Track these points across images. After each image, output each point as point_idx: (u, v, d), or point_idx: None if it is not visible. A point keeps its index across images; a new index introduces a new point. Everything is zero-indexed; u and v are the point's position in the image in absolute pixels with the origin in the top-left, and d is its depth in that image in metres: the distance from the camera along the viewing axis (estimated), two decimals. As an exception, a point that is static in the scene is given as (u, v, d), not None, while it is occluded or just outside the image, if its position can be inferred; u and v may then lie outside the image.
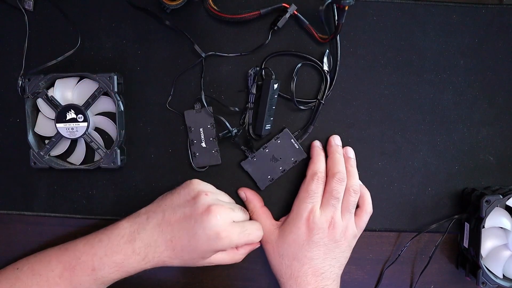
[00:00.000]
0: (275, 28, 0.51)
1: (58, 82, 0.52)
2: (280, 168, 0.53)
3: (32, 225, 0.56)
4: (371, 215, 0.52)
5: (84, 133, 0.51)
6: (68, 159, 0.54)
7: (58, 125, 0.51)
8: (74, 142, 0.54)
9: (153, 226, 0.47)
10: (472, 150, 0.55)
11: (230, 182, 0.54)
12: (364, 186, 0.53)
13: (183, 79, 0.53)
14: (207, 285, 0.57)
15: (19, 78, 0.51)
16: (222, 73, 0.53)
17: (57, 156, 0.54)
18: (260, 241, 0.52)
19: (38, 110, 0.53)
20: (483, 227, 0.51)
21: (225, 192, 0.54)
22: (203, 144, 0.53)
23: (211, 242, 0.46)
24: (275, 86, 0.51)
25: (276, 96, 0.52)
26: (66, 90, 0.52)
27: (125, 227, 0.48)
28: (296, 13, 0.51)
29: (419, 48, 0.53)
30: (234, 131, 0.51)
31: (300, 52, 0.52)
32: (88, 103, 0.51)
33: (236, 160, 0.54)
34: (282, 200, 0.54)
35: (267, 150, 0.53)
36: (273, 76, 0.52)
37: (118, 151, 0.52)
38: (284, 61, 0.53)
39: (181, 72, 0.53)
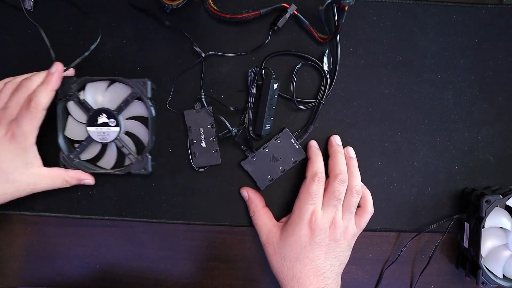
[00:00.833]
0: (275, 28, 0.51)
1: (89, 86, 0.52)
2: (280, 168, 0.53)
3: (32, 225, 0.56)
4: (372, 215, 0.52)
5: (116, 138, 0.51)
6: (98, 163, 0.54)
7: (89, 128, 0.51)
8: (103, 146, 0.53)
9: None
10: (472, 150, 0.55)
11: (230, 182, 0.54)
12: (365, 186, 0.53)
13: (183, 79, 0.53)
14: (207, 285, 0.57)
15: None
16: (222, 73, 0.53)
17: (87, 160, 0.53)
18: (261, 242, 0.52)
19: (68, 113, 0.52)
20: (483, 227, 0.51)
21: (225, 192, 0.54)
22: (203, 144, 0.53)
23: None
24: (275, 86, 0.51)
25: (276, 96, 0.52)
26: (97, 94, 0.52)
27: None
28: (296, 13, 0.51)
29: (419, 48, 0.53)
30: (234, 131, 0.51)
31: (300, 52, 0.52)
32: (121, 108, 0.51)
33: (236, 160, 0.54)
34: (282, 200, 0.54)
35: (267, 150, 0.53)
36: (273, 76, 0.52)
37: (150, 157, 0.52)
38: (284, 61, 0.53)
39: (181, 72, 0.53)
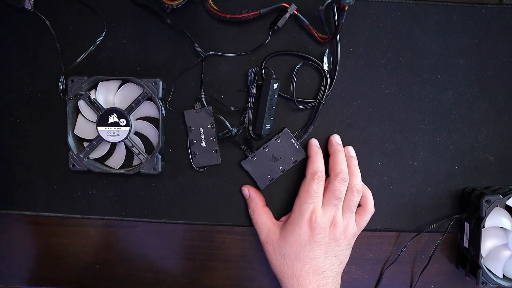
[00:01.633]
0: (275, 28, 0.51)
1: (100, 85, 0.52)
2: (280, 167, 0.53)
3: (32, 225, 0.56)
4: (372, 214, 0.52)
5: (126, 138, 0.51)
6: (106, 163, 0.54)
7: (99, 128, 0.51)
8: (112, 146, 0.53)
9: None
10: (472, 150, 0.55)
11: (230, 182, 0.54)
12: (365, 185, 0.53)
13: (183, 79, 0.53)
14: (207, 285, 0.57)
15: (61, 79, 0.51)
16: (222, 73, 0.53)
17: (95, 160, 0.54)
18: (261, 241, 0.52)
19: (77, 112, 0.53)
20: (483, 227, 0.51)
21: (225, 192, 0.54)
22: (203, 144, 0.53)
23: None
24: (275, 86, 0.51)
25: (276, 96, 0.52)
26: (108, 93, 0.52)
27: None
28: (296, 13, 0.51)
29: (419, 48, 0.53)
30: (234, 131, 0.51)
31: (300, 52, 0.52)
32: (131, 108, 0.51)
33: (236, 160, 0.54)
34: (282, 200, 0.54)
35: (267, 150, 0.53)
36: (273, 76, 0.52)
37: (160, 156, 0.52)
38: (284, 61, 0.53)
39: (181, 72, 0.53)
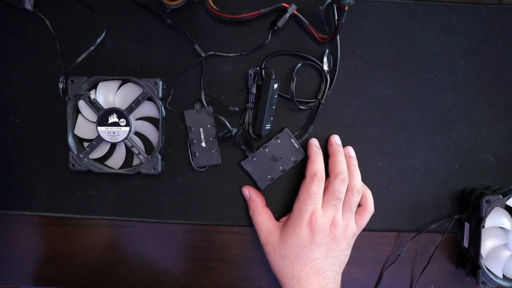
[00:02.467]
0: (275, 28, 0.51)
1: (100, 85, 0.52)
2: (280, 168, 0.53)
3: (32, 225, 0.56)
4: (372, 214, 0.52)
5: (126, 138, 0.51)
6: (106, 163, 0.54)
7: (99, 128, 0.51)
8: (112, 146, 0.53)
9: None
10: (472, 150, 0.55)
11: (230, 182, 0.54)
12: (365, 185, 0.53)
13: (183, 79, 0.53)
14: (207, 285, 0.57)
15: (61, 79, 0.51)
16: (222, 73, 0.53)
17: (95, 160, 0.54)
18: (261, 242, 0.52)
19: (77, 112, 0.53)
20: (483, 227, 0.51)
21: (225, 192, 0.54)
22: (203, 144, 0.53)
23: None
24: (275, 86, 0.51)
25: (276, 96, 0.52)
26: (109, 93, 0.52)
27: None
28: (296, 13, 0.51)
29: (419, 48, 0.53)
30: (234, 131, 0.51)
31: (300, 52, 0.52)
32: (131, 108, 0.51)
33: (236, 160, 0.54)
34: (282, 200, 0.54)
35: (267, 150, 0.53)
36: (273, 76, 0.52)
37: (160, 156, 0.52)
38: (284, 61, 0.53)
39: (181, 72, 0.53)
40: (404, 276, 0.57)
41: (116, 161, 0.53)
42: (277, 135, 0.53)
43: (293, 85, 0.52)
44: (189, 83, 0.53)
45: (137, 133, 0.53)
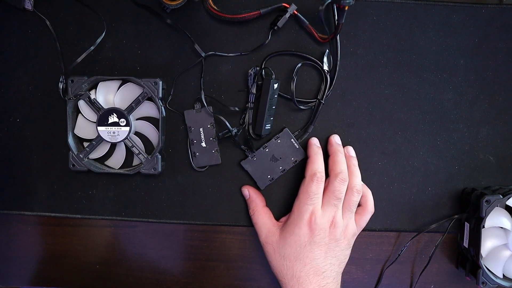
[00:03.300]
0: (275, 28, 0.51)
1: (100, 85, 0.52)
2: (280, 167, 0.53)
3: (32, 225, 0.56)
4: (372, 214, 0.52)
5: (126, 138, 0.51)
6: (106, 163, 0.54)
7: (99, 128, 0.51)
8: (112, 146, 0.53)
9: None
10: (472, 150, 0.55)
11: (230, 182, 0.54)
12: (365, 185, 0.53)
13: (183, 79, 0.53)
14: (207, 285, 0.57)
15: (61, 79, 0.51)
16: (222, 73, 0.53)
17: (95, 160, 0.54)
18: (261, 242, 0.52)
19: (77, 112, 0.53)
20: (483, 227, 0.51)
21: (225, 192, 0.54)
22: (203, 144, 0.53)
23: None
24: (275, 86, 0.51)
25: (276, 96, 0.52)
26: (109, 93, 0.52)
27: None
28: (296, 13, 0.51)
29: (419, 48, 0.53)
30: (234, 131, 0.51)
31: (300, 52, 0.52)
32: (131, 108, 0.51)
33: (236, 160, 0.54)
34: (282, 200, 0.54)
35: (267, 150, 0.53)
36: (273, 76, 0.52)
37: (160, 156, 0.52)
38: (284, 61, 0.53)
39: (181, 72, 0.53)
40: (404, 276, 0.57)
41: (116, 161, 0.53)
42: (277, 135, 0.53)
43: (293, 85, 0.52)
44: (189, 83, 0.53)
45: (137, 133, 0.53)
